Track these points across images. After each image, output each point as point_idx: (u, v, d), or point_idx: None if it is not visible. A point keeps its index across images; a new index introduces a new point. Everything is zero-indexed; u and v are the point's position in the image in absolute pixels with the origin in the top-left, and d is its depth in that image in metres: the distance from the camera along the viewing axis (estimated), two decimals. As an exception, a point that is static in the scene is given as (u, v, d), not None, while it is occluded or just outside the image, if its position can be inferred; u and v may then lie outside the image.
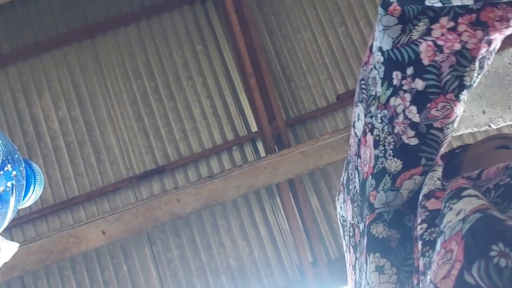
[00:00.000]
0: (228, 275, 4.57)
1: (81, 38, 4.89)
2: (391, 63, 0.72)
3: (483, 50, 0.68)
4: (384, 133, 0.74)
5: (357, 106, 0.81)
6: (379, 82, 0.74)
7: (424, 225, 0.64)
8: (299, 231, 4.50)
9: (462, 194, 0.61)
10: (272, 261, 4.63)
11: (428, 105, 0.70)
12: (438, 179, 0.70)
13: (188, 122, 4.78)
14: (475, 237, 0.52)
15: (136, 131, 4.75)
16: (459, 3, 0.64)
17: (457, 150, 0.98)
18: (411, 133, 0.71)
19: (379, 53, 0.74)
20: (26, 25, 4.89)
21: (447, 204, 0.61)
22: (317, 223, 4.70)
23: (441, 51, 0.68)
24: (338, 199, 0.91)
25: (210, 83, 4.87)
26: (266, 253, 4.63)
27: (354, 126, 0.82)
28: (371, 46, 0.78)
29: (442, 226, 0.59)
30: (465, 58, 0.67)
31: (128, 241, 4.50)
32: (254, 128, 4.78)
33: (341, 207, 0.88)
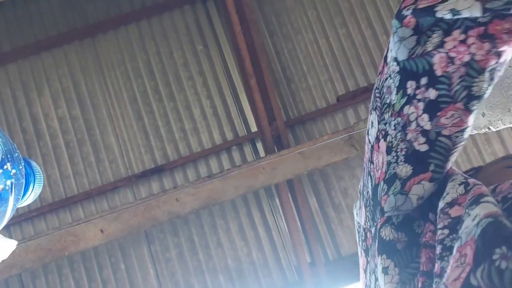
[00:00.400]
0: (226, 275, 4.57)
1: (81, 37, 4.89)
2: (406, 73, 0.75)
3: (492, 62, 0.70)
4: (397, 139, 0.76)
5: (371, 113, 0.84)
6: (395, 90, 0.77)
7: (446, 231, 0.66)
8: (298, 232, 4.50)
9: (481, 200, 0.63)
10: (270, 262, 4.63)
11: (439, 113, 0.73)
12: (460, 183, 0.72)
13: (188, 121, 4.78)
14: (484, 240, 0.55)
15: (136, 130, 4.75)
16: (468, 15, 0.67)
17: (470, 172, 1.01)
18: (422, 139, 0.74)
19: (395, 63, 0.77)
20: (27, 23, 4.89)
21: (467, 211, 0.64)
22: (315, 224, 4.70)
23: (453, 63, 0.71)
24: (355, 206, 0.93)
25: (210, 83, 4.87)
26: (264, 254, 4.63)
27: (368, 133, 0.85)
28: (386, 56, 0.81)
29: (460, 232, 0.62)
30: (473, 69, 0.70)
31: (127, 240, 4.50)
32: (254, 129, 4.78)
33: (357, 213, 0.91)
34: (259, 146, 4.78)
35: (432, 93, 0.72)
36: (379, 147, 0.79)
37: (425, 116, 0.73)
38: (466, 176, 0.74)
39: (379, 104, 0.80)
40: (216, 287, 4.55)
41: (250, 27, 4.58)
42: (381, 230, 0.76)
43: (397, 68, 0.76)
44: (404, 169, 0.75)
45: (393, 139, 0.77)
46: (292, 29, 5.02)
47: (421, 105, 0.73)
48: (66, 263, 4.48)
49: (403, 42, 0.75)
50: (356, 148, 3.92)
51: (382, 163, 0.78)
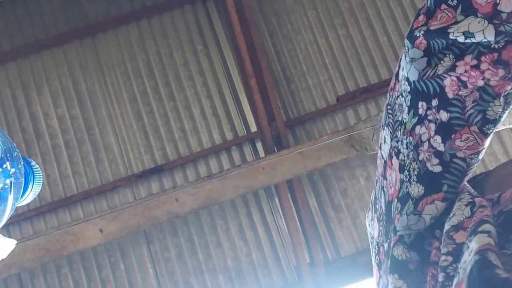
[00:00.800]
0: (225, 275, 4.57)
1: (81, 37, 4.89)
2: (417, 94, 0.76)
3: (507, 87, 0.70)
4: (409, 159, 0.77)
5: (383, 129, 0.84)
6: (406, 109, 0.78)
7: (450, 258, 0.66)
8: (297, 232, 4.50)
9: (479, 230, 0.64)
10: (270, 262, 4.63)
11: (453, 135, 0.73)
12: (467, 204, 0.72)
13: (188, 121, 4.78)
14: (469, 281, 0.56)
15: (136, 130, 4.75)
16: (481, 38, 0.67)
17: (480, 177, 1.01)
18: (435, 161, 0.74)
19: (406, 83, 0.78)
20: (27, 22, 4.89)
21: (467, 241, 0.65)
22: (315, 224, 4.70)
23: (465, 86, 0.71)
24: (367, 216, 0.93)
25: (210, 83, 4.87)
26: (263, 254, 4.63)
27: (380, 148, 0.86)
28: (397, 73, 0.81)
29: (459, 266, 0.63)
30: (488, 94, 0.71)
31: (126, 240, 4.50)
32: (254, 129, 4.78)
33: (369, 224, 0.92)
34: (259, 146, 4.77)
35: (443, 115, 0.73)
36: (392, 164, 0.80)
37: (438, 138, 0.74)
38: (473, 194, 0.74)
39: (391, 120, 0.81)
40: (216, 287, 4.55)
41: (250, 27, 4.58)
42: (393, 249, 0.77)
43: (408, 88, 0.77)
44: (416, 189, 0.75)
45: (405, 158, 0.77)
46: (292, 29, 5.02)
47: (432, 126, 0.74)
48: (65, 263, 4.48)
49: (414, 63, 0.75)
50: (356, 149, 3.92)
51: (395, 180, 0.79)
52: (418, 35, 0.73)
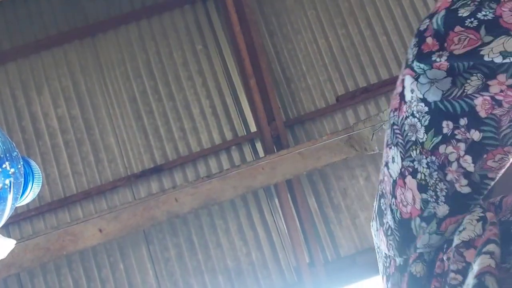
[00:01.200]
0: (225, 275, 4.57)
1: (81, 37, 4.89)
2: (440, 114, 0.74)
3: None
4: (434, 179, 0.75)
5: (390, 148, 0.83)
6: (422, 129, 0.76)
7: (459, 277, 0.66)
8: (297, 232, 4.50)
9: (483, 250, 0.64)
10: (269, 262, 4.63)
11: (485, 156, 0.71)
12: (478, 219, 0.71)
13: (187, 121, 4.78)
14: None
15: (135, 130, 4.75)
16: None
17: None
18: (464, 181, 0.72)
19: (421, 104, 0.75)
20: (27, 22, 4.89)
21: (472, 263, 0.64)
22: (314, 224, 4.70)
23: (500, 105, 0.69)
24: (372, 225, 0.93)
25: (210, 83, 4.87)
26: (263, 254, 4.63)
27: (387, 166, 0.84)
28: (402, 94, 0.79)
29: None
30: None
31: (125, 240, 4.50)
32: (253, 129, 4.78)
33: (375, 234, 0.92)
34: (259, 146, 4.77)
35: (475, 135, 0.70)
36: (405, 183, 0.79)
37: (468, 158, 0.71)
38: (484, 207, 0.74)
39: (401, 140, 0.79)
40: (215, 287, 4.55)
41: (250, 27, 4.58)
42: (412, 266, 0.76)
43: (426, 109, 0.75)
44: (442, 209, 0.74)
45: (427, 178, 0.75)
46: (291, 29, 5.02)
47: (462, 145, 0.72)
48: (65, 263, 4.47)
49: (436, 84, 0.73)
50: (355, 149, 3.92)
51: (413, 199, 0.77)
52: (438, 60, 0.71)
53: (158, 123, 4.77)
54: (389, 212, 0.82)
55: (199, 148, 4.73)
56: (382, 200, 0.87)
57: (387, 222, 0.83)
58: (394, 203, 0.81)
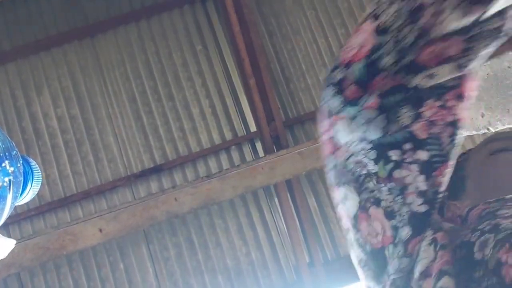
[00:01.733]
0: (224, 275, 4.57)
1: (81, 37, 4.89)
2: (384, 147, 0.76)
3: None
4: (398, 203, 0.77)
5: (338, 188, 0.83)
6: (371, 162, 0.77)
7: None
8: (296, 232, 4.50)
9: (437, 286, 0.67)
10: (269, 262, 4.63)
11: (434, 173, 0.74)
12: (430, 243, 0.73)
13: (187, 121, 4.78)
14: None
15: (135, 130, 4.75)
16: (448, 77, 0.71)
17: (460, 159, 1.00)
18: (419, 201, 0.75)
19: (363, 143, 0.77)
20: (27, 23, 4.89)
21: None
22: (314, 224, 4.71)
23: (435, 124, 0.73)
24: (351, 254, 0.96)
25: (210, 83, 4.87)
26: (263, 254, 4.64)
27: (341, 205, 0.85)
28: (334, 139, 0.81)
29: None
30: (460, 128, 0.73)
31: (125, 240, 4.50)
32: (253, 128, 4.78)
33: (355, 264, 0.93)
34: (258, 146, 4.78)
35: (423, 155, 0.73)
36: (370, 215, 0.79)
37: (422, 177, 0.74)
38: (435, 227, 0.75)
39: (350, 177, 0.80)
40: (215, 287, 4.55)
41: (249, 27, 4.58)
42: None
43: (369, 146, 0.76)
44: (405, 231, 0.75)
45: (392, 204, 0.77)
46: (291, 29, 5.03)
47: (414, 167, 0.74)
48: (65, 262, 4.48)
49: (372, 123, 0.75)
50: (355, 148, 3.93)
51: (383, 228, 0.78)
52: (367, 101, 0.74)
53: (158, 123, 4.77)
54: (356, 246, 0.83)
55: (199, 148, 4.74)
56: (347, 236, 0.88)
57: (357, 255, 0.84)
58: (360, 237, 0.82)
